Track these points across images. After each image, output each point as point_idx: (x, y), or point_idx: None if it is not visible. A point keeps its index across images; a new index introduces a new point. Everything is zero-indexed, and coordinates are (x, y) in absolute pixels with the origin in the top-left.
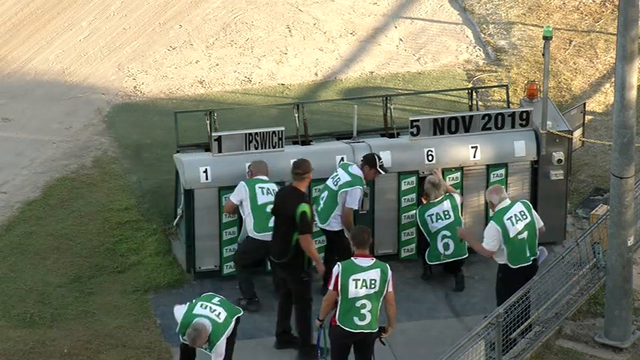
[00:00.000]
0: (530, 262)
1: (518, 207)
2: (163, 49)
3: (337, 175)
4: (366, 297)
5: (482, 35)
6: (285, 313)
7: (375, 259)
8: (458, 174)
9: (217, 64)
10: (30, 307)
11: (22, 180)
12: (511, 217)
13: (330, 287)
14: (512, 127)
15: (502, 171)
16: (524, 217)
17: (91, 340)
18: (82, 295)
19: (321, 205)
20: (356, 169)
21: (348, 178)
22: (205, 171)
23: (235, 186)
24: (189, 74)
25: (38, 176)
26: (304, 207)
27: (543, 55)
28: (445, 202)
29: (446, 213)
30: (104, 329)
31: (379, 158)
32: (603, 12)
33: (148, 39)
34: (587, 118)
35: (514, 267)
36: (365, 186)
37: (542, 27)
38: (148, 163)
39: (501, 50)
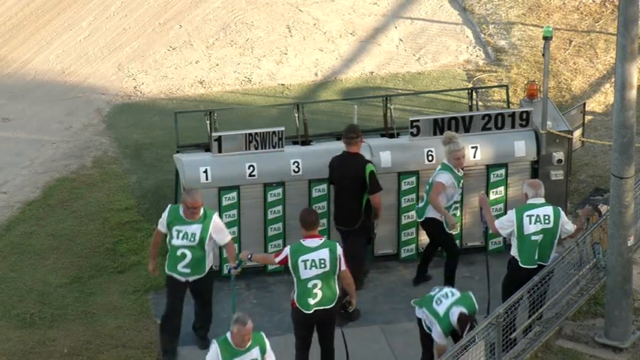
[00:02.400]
0: (536, 266)
1: (546, 210)
2: (163, 49)
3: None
4: (317, 277)
5: (482, 35)
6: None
7: (324, 239)
8: None
9: (217, 64)
10: (30, 307)
11: (22, 180)
12: (532, 215)
13: (277, 259)
14: (512, 127)
15: (502, 171)
16: (547, 222)
17: (91, 340)
18: (82, 296)
19: None
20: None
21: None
22: (205, 171)
23: (235, 186)
24: (189, 74)
25: (38, 176)
26: (371, 167)
27: (543, 55)
28: None
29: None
30: (104, 329)
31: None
32: (603, 12)
33: (148, 39)
34: (587, 118)
35: (522, 266)
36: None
37: (542, 27)
38: (148, 163)
39: (501, 50)
